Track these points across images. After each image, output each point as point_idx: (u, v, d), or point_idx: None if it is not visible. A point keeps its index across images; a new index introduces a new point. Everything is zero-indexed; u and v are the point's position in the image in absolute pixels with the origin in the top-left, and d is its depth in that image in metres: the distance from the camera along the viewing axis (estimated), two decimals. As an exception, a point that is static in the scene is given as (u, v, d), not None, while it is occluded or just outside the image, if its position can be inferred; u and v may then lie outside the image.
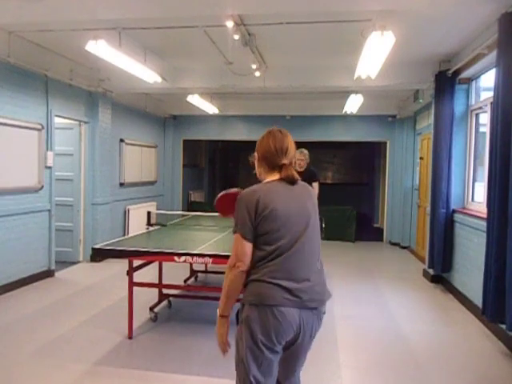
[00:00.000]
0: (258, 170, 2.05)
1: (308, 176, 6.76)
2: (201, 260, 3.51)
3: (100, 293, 5.24)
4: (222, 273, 5.95)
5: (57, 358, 3.42)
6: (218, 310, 1.94)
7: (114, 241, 4.01)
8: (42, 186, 5.60)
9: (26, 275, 5.36)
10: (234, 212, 1.92)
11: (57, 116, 5.89)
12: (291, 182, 1.94)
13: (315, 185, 6.74)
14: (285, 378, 2.01)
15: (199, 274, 5.76)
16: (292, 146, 1.99)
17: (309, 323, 1.86)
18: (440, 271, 5.54)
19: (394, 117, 8.95)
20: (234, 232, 1.89)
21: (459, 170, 5.48)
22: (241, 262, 1.84)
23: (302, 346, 1.90)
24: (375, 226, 11.47)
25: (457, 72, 5.32)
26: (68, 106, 6.13)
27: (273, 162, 1.95)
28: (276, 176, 1.95)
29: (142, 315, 4.23)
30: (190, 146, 10.72)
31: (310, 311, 1.85)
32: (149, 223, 5.26)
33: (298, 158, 6.87)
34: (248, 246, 1.85)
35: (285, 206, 1.87)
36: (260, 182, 2.01)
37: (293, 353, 1.92)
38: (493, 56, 4.01)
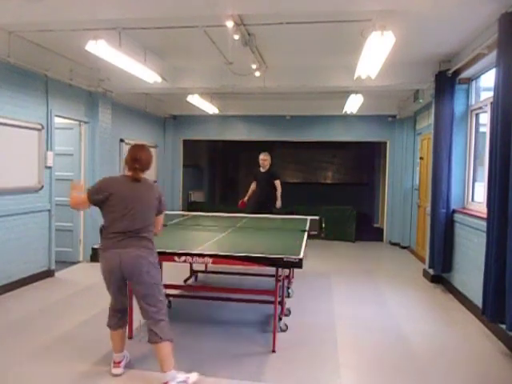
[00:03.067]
0: (125, 169, 3.09)
1: (270, 175, 7.29)
2: (201, 260, 3.52)
3: (100, 293, 5.18)
4: (222, 273, 5.90)
5: (57, 357, 3.43)
6: (83, 194, 3.07)
7: (113, 241, 4.00)
8: (42, 186, 5.60)
9: (26, 275, 5.36)
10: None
11: (57, 116, 5.89)
12: (134, 179, 3.01)
13: (277, 182, 7.26)
14: (138, 302, 3.07)
15: (199, 274, 5.75)
16: (145, 156, 3.03)
17: (128, 262, 2.93)
18: (440, 271, 5.54)
19: (394, 117, 8.95)
20: (87, 191, 3.04)
21: (459, 170, 5.48)
22: (76, 205, 3.24)
23: (133, 279, 2.98)
24: (375, 226, 11.46)
25: (457, 72, 5.32)
26: (68, 106, 6.13)
27: (129, 165, 3.02)
28: (129, 174, 3.03)
29: (142, 315, 4.22)
30: (190, 146, 10.71)
31: (128, 255, 2.92)
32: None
33: (262, 159, 7.31)
34: (84, 202, 3.03)
35: (122, 192, 2.96)
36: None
37: (133, 283, 3.03)
38: (493, 56, 4.01)
